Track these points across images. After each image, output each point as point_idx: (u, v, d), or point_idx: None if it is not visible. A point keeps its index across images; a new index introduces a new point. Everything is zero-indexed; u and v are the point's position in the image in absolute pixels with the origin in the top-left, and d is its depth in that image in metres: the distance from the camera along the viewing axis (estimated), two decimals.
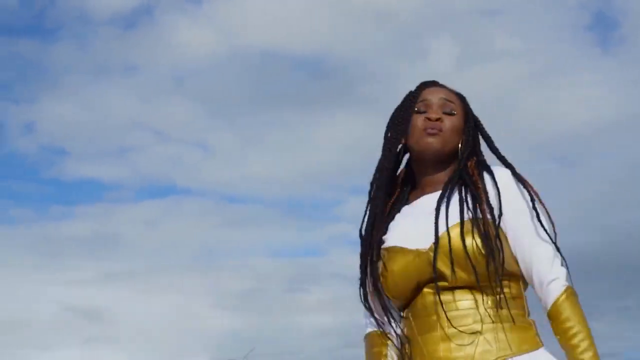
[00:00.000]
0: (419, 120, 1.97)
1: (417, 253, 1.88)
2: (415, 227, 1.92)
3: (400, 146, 2.01)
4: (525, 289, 1.94)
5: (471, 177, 1.93)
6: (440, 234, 1.86)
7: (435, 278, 1.85)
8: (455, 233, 1.85)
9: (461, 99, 2.04)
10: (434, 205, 1.90)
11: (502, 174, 1.93)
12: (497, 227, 1.85)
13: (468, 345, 1.83)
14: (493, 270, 1.82)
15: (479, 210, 1.86)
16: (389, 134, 2.02)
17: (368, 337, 2.06)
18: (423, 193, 1.98)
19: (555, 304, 1.84)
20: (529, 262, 1.88)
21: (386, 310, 1.95)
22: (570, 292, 1.86)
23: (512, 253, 1.88)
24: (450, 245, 1.83)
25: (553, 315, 1.84)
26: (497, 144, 2.02)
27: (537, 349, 1.86)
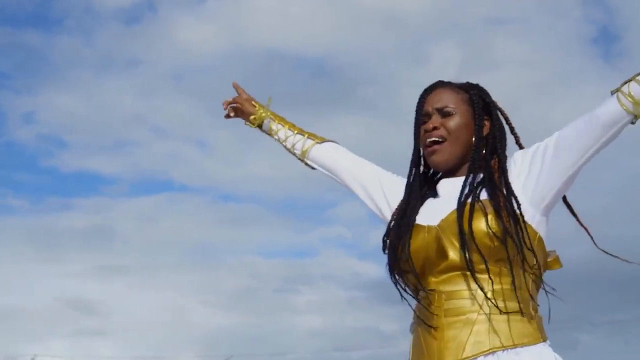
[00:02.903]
0: (422, 131, 2.05)
1: (428, 229, 1.92)
2: (434, 206, 1.98)
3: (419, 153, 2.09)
4: (537, 284, 1.94)
5: (491, 169, 1.98)
6: (446, 214, 1.92)
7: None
8: (463, 212, 1.89)
9: (465, 90, 2.06)
10: (452, 187, 1.97)
11: (525, 152, 2.00)
12: (520, 214, 1.89)
13: (462, 335, 1.84)
14: (499, 250, 1.85)
15: (495, 197, 1.91)
16: (414, 139, 2.09)
17: None
18: (450, 178, 2.05)
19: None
20: (588, 121, 1.90)
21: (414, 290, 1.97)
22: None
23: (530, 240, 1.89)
24: (451, 225, 1.89)
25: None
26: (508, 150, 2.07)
27: (537, 343, 1.87)
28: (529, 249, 1.88)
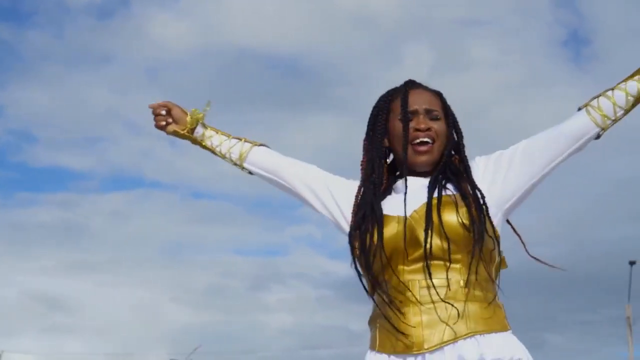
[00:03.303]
0: (409, 128, 2.06)
1: (399, 219, 1.96)
2: (400, 200, 2.00)
3: (384, 147, 2.11)
4: (496, 275, 2.03)
5: (457, 167, 2.06)
6: (419, 205, 1.97)
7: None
8: (433, 204, 1.96)
9: (440, 97, 2.13)
10: (420, 183, 2.02)
11: (486, 158, 2.09)
12: (478, 200, 1.97)
13: (441, 320, 1.90)
14: (471, 240, 1.92)
15: (462, 189, 1.99)
16: (371, 134, 2.12)
17: None
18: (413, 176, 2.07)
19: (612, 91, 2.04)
20: (557, 133, 2.04)
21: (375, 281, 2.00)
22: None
23: (493, 233, 1.97)
24: (424, 215, 1.94)
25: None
26: (467, 152, 2.13)
27: (506, 331, 1.95)
28: (494, 240, 1.98)
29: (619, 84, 2.03)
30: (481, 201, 1.97)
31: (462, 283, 1.92)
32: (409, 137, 2.05)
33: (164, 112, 2.33)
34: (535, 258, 2.05)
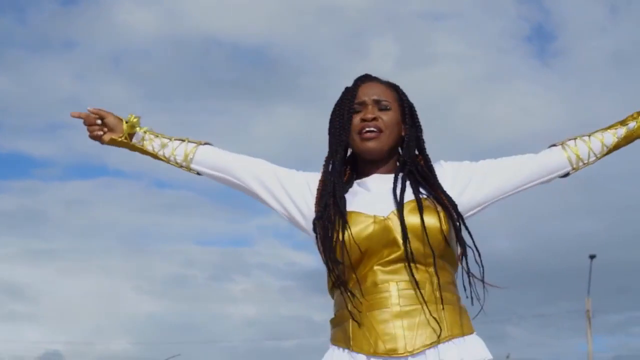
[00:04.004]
0: (355, 120, 2.07)
1: (375, 219, 1.95)
2: (369, 199, 2.00)
3: (344, 143, 2.09)
4: (455, 272, 2.04)
5: (422, 168, 2.06)
6: (398, 206, 1.95)
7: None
8: (412, 206, 1.95)
9: (394, 89, 2.12)
10: (387, 182, 2.01)
11: (451, 165, 2.10)
12: (458, 213, 1.98)
13: (418, 323, 1.90)
14: (449, 248, 1.95)
15: (436, 194, 2.00)
16: (333, 131, 2.10)
17: None
18: (370, 176, 2.08)
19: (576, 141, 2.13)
20: (532, 162, 2.10)
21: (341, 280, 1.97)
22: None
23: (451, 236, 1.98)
24: (406, 217, 1.93)
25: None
26: (431, 146, 2.13)
27: (473, 333, 1.98)
28: (469, 247, 1.98)
29: (595, 132, 2.12)
30: (454, 209, 1.98)
31: (435, 286, 1.92)
32: (349, 126, 2.06)
33: (98, 122, 2.20)
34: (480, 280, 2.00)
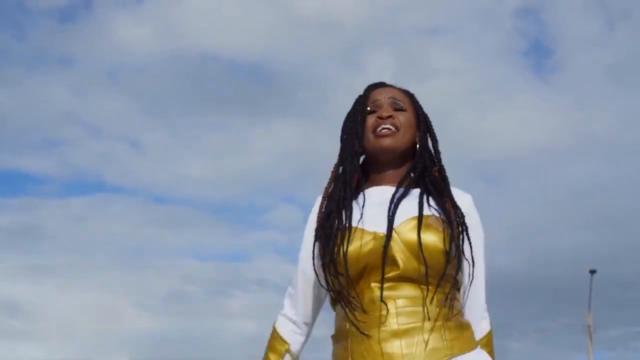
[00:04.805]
0: (370, 120, 2.02)
1: (375, 236, 1.89)
2: (372, 213, 1.94)
3: (357, 147, 2.04)
4: (459, 290, 1.98)
5: (434, 180, 2.00)
6: (399, 223, 1.89)
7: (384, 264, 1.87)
8: (413, 224, 1.89)
9: (409, 96, 2.09)
10: (391, 195, 1.95)
11: (465, 199, 2.02)
12: (465, 228, 1.93)
13: (417, 342, 1.84)
14: (450, 267, 1.88)
15: (440, 209, 1.93)
16: (345, 135, 2.06)
17: (276, 326, 2.08)
18: (379, 186, 2.02)
19: (481, 340, 1.98)
20: (466, 286, 1.96)
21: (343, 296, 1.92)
22: (491, 336, 2.02)
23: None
24: (406, 234, 1.88)
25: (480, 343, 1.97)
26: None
27: (476, 348, 1.92)
28: (472, 265, 1.94)
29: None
30: (462, 227, 1.92)
31: (436, 303, 1.87)
32: (363, 126, 2.01)
33: None
34: None
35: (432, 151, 2.06)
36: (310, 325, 2.09)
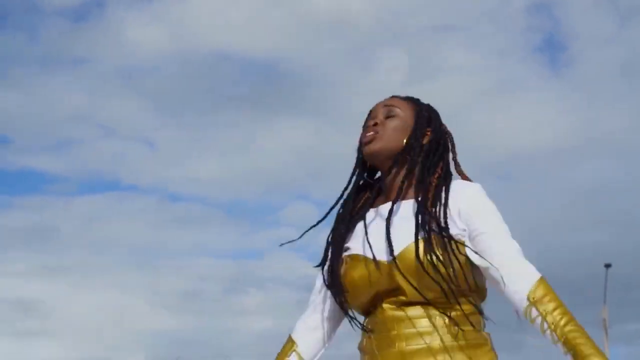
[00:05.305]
0: (362, 131, 2.06)
1: (379, 264, 1.89)
2: (377, 237, 1.93)
3: (358, 161, 2.07)
4: (482, 299, 1.97)
5: (427, 194, 1.95)
6: (401, 249, 1.88)
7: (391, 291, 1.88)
8: (411, 249, 1.86)
9: (409, 100, 2.08)
10: (401, 209, 1.95)
11: (470, 189, 1.98)
12: (452, 243, 1.87)
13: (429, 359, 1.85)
14: (449, 289, 1.85)
15: (434, 226, 1.88)
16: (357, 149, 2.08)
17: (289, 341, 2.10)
18: (386, 200, 2.01)
19: (536, 287, 1.86)
20: (499, 259, 1.88)
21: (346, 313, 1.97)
22: (545, 283, 1.88)
23: (470, 268, 1.89)
24: (408, 261, 1.85)
25: (535, 298, 1.85)
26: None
27: None
28: (478, 287, 1.92)
29: (559, 333, 1.82)
30: (455, 250, 1.86)
31: (445, 324, 1.87)
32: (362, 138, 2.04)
33: None
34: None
35: (436, 148, 2.03)
36: (328, 332, 2.09)
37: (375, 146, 2.00)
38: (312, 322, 2.08)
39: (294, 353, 2.06)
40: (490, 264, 1.87)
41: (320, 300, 2.08)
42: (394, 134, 2.01)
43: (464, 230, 1.92)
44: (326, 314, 2.07)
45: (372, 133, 2.01)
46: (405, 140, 2.01)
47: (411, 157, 1.99)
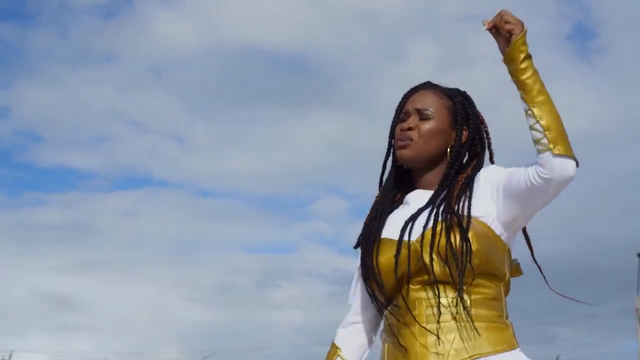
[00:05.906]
0: (397, 130, 2.08)
1: (404, 244, 1.94)
2: (405, 221, 1.99)
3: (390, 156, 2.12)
4: (506, 293, 2.00)
5: (454, 185, 2.00)
6: (426, 230, 1.93)
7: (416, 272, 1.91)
8: (438, 229, 1.92)
9: (443, 95, 2.08)
10: (424, 201, 2.00)
11: (496, 169, 2.01)
12: (474, 223, 1.91)
13: (444, 341, 1.88)
14: (469, 268, 1.88)
15: (458, 209, 1.94)
16: (389, 143, 2.11)
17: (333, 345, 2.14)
18: (419, 189, 2.06)
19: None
20: (524, 174, 1.90)
21: (376, 299, 2.01)
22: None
23: (493, 253, 1.93)
24: (433, 240, 1.91)
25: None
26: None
27: (513, 349, 1.92)
28: (505, 257, 1.96)
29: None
30: (465, 234, 1.90)
31: (468, 303, 1.89)
32: (394, 137, 2.07)
33: None
34: (559, 294, 2.02)
35: (472, 144, 2.07)
36: (369, 334, 2.12)
37: (410, 153, 2.04)
38: (353, 327, 2.12)
39: (338, 358, 2.10)
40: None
41: (359, 303, 2.11)
42: (429, 140, 2.04)
43: (491, 212, 1.94)
44: (368, 314, 2.11)
45: (406, 140, 2.03)
46: (444, 148, 2.03)
47: (452, 160, 2.04)
